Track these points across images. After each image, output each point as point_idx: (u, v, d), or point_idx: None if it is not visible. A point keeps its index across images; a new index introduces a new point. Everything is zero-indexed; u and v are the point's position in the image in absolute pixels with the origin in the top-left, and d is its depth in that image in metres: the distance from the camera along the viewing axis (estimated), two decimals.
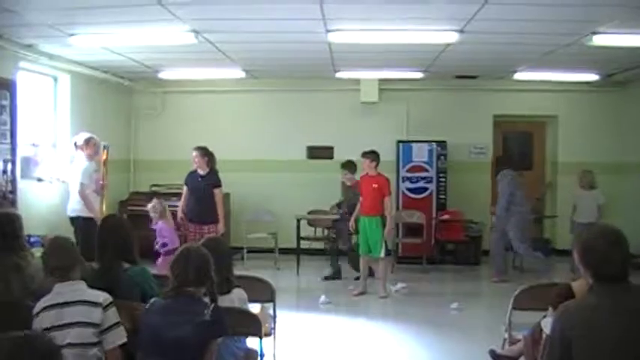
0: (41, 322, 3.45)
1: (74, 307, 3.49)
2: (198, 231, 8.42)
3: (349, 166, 9.53)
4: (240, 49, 8.68)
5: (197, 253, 3.65)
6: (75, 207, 8.07)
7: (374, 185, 8.66)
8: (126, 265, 4.23)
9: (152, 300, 3.64)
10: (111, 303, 3.57)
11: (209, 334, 3.43)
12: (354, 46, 8.03)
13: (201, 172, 8.65)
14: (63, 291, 3.55)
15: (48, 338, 2.44)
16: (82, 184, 7.99)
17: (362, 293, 8.85)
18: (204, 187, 8.58)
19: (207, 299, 3.56)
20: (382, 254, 8.69)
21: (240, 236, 10.66)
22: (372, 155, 8.82)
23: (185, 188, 8.82)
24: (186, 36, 7.43)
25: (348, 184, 9.61)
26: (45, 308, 3.50)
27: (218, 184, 8.64)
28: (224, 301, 4.01)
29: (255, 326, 4.21)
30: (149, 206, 8.19)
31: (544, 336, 3.99)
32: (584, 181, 9.85)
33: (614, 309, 2.80)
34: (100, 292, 3.60)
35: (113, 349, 3.54)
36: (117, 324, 3.57)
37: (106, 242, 4.26)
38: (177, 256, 3.63)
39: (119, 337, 3.56)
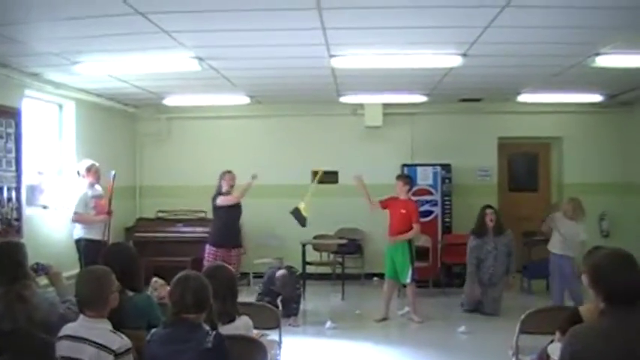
0: (59, 348, 3.45)
1: (86, 346, 3.42)
2: (225, 255, 8.70)
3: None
4: (244, 75, 8.71)
5: (194, 279, 3.60)
6: (78, 231, 8.22)
7: (402, 211, 8.66)
8: (130, 293, 4.19)
9: (152, 330, 3.59)
10: (128, 350, 3.46)
11: None
12: (358, 71, 8.04)
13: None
14: (84, 325, 3.52)
15: None
16: (75, 213, 8.17)
17: (384, 319, 8.84)
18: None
19: (208, 327, 3.51)
20: (409, 279, 8.69)
21: (246, 261, 10.61)
22: (407, 179, 8.95)
23: None
24: (190, 62, 7.45)
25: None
26: (65, 336, 3.49)
27: (215, 196, 8.92)
28: (229, 330, 3.97)
29: (261, 353, 4.17)
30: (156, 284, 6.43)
31: None
32: (567, 209, 8.50)
33: (626, 333, 2.76)
34: (119, 338, 3.47)
35: None
36: None
37: (112, 270, 4.22)
38: (175, 282, 3.58)
39: None
